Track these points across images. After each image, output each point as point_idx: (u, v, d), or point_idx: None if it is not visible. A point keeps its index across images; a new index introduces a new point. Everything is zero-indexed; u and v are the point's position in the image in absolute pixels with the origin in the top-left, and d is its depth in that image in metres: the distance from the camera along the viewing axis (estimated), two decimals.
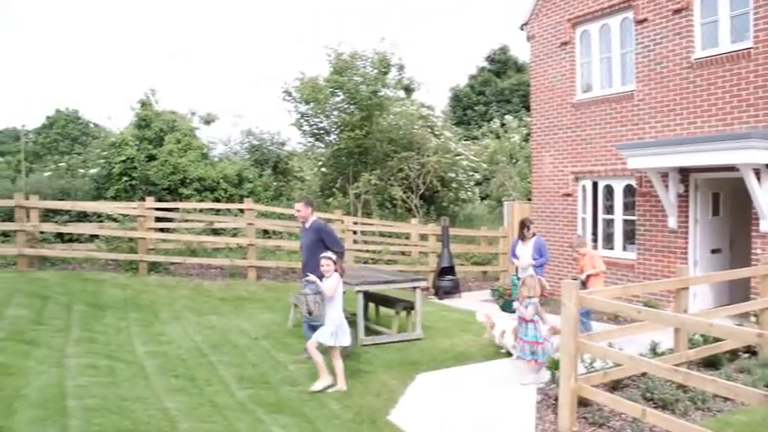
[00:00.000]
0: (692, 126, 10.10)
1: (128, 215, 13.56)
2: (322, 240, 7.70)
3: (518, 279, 8.89)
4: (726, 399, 5.92)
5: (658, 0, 10.59)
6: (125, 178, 16.61)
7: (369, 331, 9.14)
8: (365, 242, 16.20)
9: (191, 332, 9.14)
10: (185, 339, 8.69)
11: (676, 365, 5.84)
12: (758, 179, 8.88)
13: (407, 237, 15.82)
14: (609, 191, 11.95)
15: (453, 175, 20.56)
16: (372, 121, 18.79)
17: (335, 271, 6.89)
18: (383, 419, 5.98)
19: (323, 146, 20.73)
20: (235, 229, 15.28)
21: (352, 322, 9.43)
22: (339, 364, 6.85)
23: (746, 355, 7.47)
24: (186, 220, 14.48)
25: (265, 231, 15.63)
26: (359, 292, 8.78)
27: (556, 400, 5.97)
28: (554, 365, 6.62)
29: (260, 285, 12.88)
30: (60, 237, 14.02)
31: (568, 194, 12.69)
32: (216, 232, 15.23)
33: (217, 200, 17.09)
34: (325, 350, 6.85)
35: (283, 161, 21.49)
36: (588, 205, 12.36)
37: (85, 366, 6.75)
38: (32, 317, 8.66)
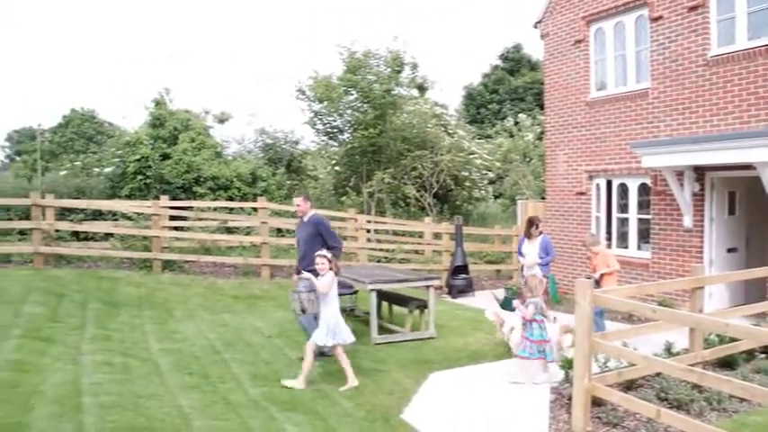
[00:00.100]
0: (708, 124, 9.99)
1: (142, 214, 13.65)
2: (320, 234, 7.68)
3: (523, 277, 8.86)
4: (742, 399, 5.87)
5: None
6: (140, 177, 16.72)
7: (382, 330, 9.14)
8: (378, 241, 16.21)
9: (204, 330, 9.18)
10: (199, 337, 8.74)
11: (691, 365, 5.79)
12: None
13: (421, 235, 15.81)
14: (623, 189, 11.86)
15: (467, 173, 20.51)
16: (386, 119, 18.81)
17: (330, 269, 6.87)
18: (396, 418, 5.98)
19: (336, 144, 20.78)
20: (248, 227, 15.32)
21: (365, 321, 9.48)
22: (345, 360, 6.86)
23: (763, 355, 7.39)
24: (200, 219, 14.55)
25: (279, 230, 15.67)
26: (372, 290, 8.77)
27: (569, 399, 5.95)
28: (568, 365, 6.59)
29: (273, 284, 12.90)
30: (76, 235, 14.13)
31: (582, 193, 12.62)
32: (229, 231, 15.27)
33: (230, 198, 17.17)
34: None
35: (297, 160, 21.55)
36: (602, 204, 12.29)
37: (100, 363, 6.80)
38: (48, 314, 8.74)
